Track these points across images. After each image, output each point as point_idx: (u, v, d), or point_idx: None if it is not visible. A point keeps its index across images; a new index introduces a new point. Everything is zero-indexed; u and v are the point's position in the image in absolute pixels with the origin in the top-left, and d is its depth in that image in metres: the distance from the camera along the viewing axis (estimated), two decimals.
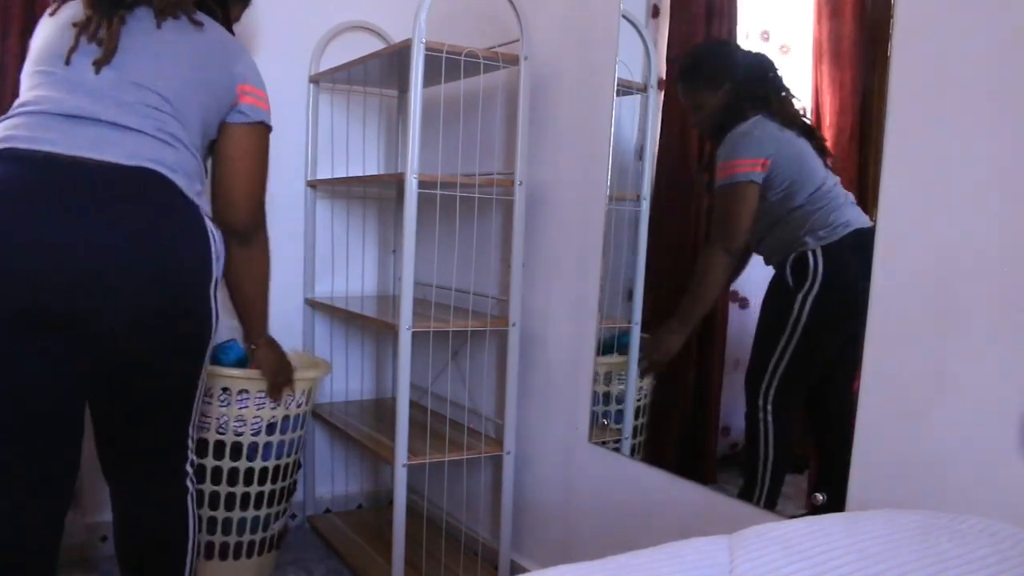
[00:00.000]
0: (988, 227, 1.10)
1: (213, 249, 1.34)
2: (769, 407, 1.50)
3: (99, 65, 1.28)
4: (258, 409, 1.86)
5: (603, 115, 1.82)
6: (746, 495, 1.50)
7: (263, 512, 1.96)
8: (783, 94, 1.45)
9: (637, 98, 1.80)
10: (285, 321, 2.39)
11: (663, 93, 1.76)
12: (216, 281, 1.36)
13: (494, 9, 2.07)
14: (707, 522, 1.53)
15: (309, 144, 2.36)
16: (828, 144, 1.41)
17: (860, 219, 1.30)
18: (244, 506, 1.93)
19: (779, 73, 1.47)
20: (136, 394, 1.35)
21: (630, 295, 1.81)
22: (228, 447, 1.86)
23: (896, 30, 1.20)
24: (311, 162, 2.37)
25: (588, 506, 1.86)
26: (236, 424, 1.85)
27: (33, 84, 1.31)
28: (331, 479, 2.55)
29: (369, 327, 2.54)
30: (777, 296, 1.49)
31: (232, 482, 1.90)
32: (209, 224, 1.35)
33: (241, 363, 1.91)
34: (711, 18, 1.66)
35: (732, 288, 1.64)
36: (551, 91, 1.99)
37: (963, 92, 1.12)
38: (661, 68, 1.75)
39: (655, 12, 1.76)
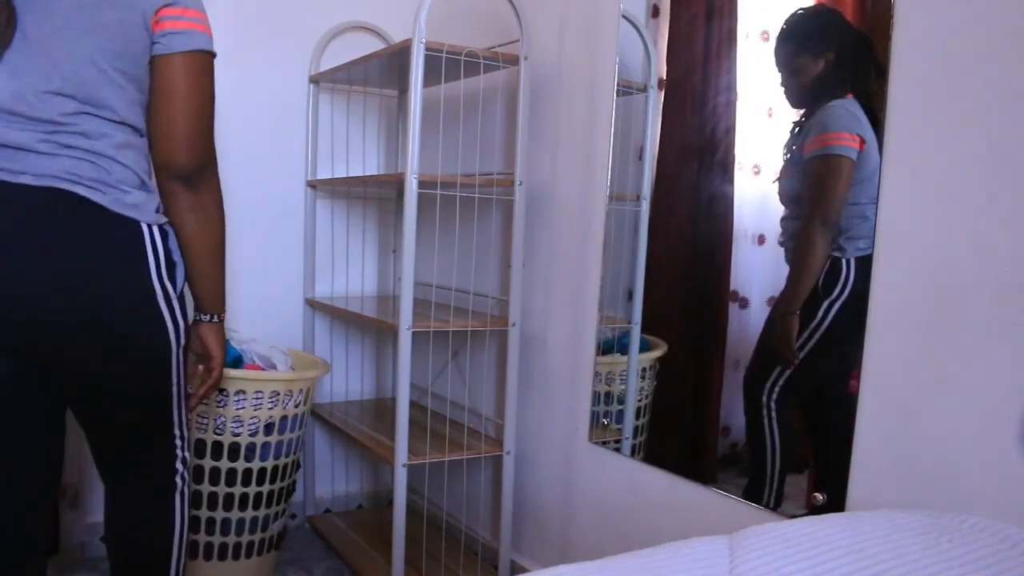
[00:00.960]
0: (988, 227, 1.10)
1: (153, 264, 1.25)
2: (773, 405, 1.50)
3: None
4: (255, 410, 1.85)
5: (603, 115, 1.82)
6: (753, 495, 1.50)
7: (262, 512, 1.96)
8: (878, 78, 1.35)
9: (637, 98, 1.80)
10: (285, 321, 2.39)
11: (663, 93, 1.76)
12: (170, 293, 1.29)
13: (494, 9, 2.07)
14: (707, 522, 1.53)
15: (309, 144, 2.36)
16: None
17: None
18: (243, 506, 1.92)
19: (877, 56, 1.38)
20: (103, 409, 1.34)
21: (630, 295, 1.81)
22: (226, 448, 1.85)
23: (896, 30, 1.20)
24: (311, 162, 2.37)
25: (588, 506, 1.86)
26: (234, 425, 1.84)
27: None
28: (331, 479, 2.54)
29: (369, 327, 2.54)
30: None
31: (231, 482, 1.89)
32: (149, 233, 1.25)
33: (236, 364, 1.90)
34: (711, 18, 1.66)
35: (732, 288, 1.64)
36: (551, 91, 1.99)
37: (963, 92, 1.12)
38: (661, 68, 1.75)
39: (655, 12, 1.76)
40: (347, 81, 2.34)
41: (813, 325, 1.45)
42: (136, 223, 1.24)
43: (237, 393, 1.82)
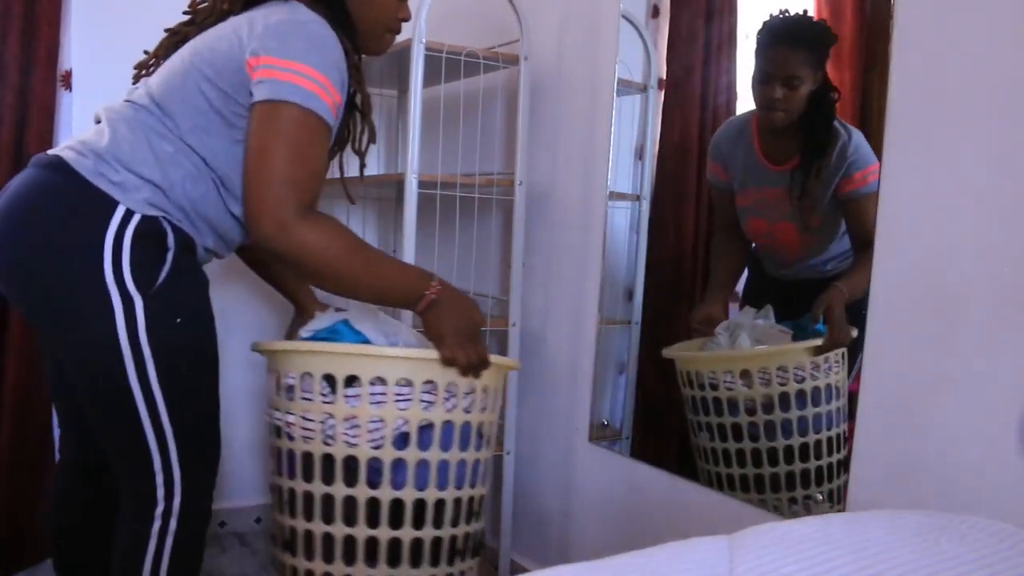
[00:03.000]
0: (988, 227, 1.09)
1: (110, 247, 1.14)
2: None
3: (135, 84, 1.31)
4: (378, 407, 1.24)
5: (603, 115, 1.81)
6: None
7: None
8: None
9: (637, 98, 1.80)
10: (285, 321, 2.38)
11: (663, 93, 1.76)
12: (125, 281, 1.15)
13: (494, 9, 2.07)
14: (707, 522, 1.53)
15: None
16: None
17: None
18: (371, 559, 1.28)
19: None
20: (76, 395, 1.27)
21: (630, 295, 1.81)
22: (340, 463, 1.26)
23: (896, 30, 1.20)
24: None
25: (588, 506, 1.86)
26: (348, 431, 1.25)
27: None
28: None
29: None
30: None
31: (350, 520, 1.28)
32: (122, 216, 1.15)
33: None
34: (711, 18, 1.66)
35: (735, 289, 1.65)
36: (551, 91, 1.99)
37: (963, 92, 1.12)
38: (661, 68, 1.75)
39: (655, 12, 1.76)
40: None
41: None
42: (111, 201, 1.15)
43: (349, 382, 1.26)
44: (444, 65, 1.85)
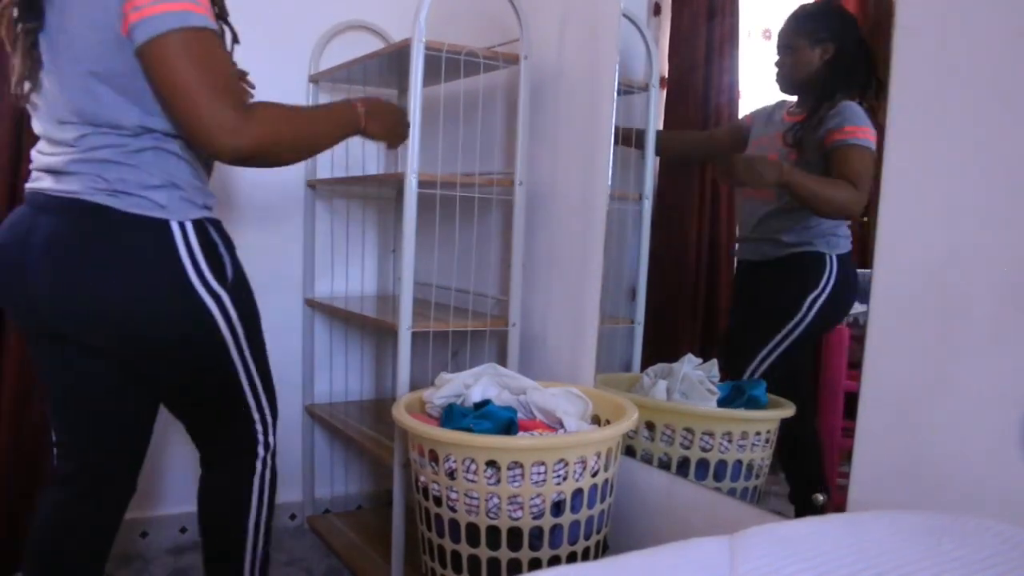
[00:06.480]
0: (988, 227, 1.09)
1: (187, 257, 1.26)
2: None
3: (33, 113, 1.32)
4: (537, 486, 1.40)
5: (604, 115, 1.81)
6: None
7: None
8: (877, 94, 1.36)
9: (639, 97, 1.79)
10: (285, 321, 2.39)
11: (665, 92, 1.76)
12: (210, 282, 1.29)
13: (494, 9, 2.06)
14: (707, 522, 1.53)
15: None
16: None
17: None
18: None
19: (878, 71, 1.36)
20: (172, 398, 1.43)
21: (633, 295, 1.81)
22: (504, 533, 1.42)
23: (896, 30, 1.19)
24: (310, 162, 2.36)
25: None
26: (510, 507, 1.41)
27: None
28: (331, 479, 2.54)
29: (369, 327, 2.54)
30: (782, 292, 1.50)
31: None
32: (180, 230, 1.27)
33: (509, 428, 1.50)
34: (713, 16, 1.66)
35: None
36: (551, 91, 1.98)
37: (963, 91, 1.12)
38: (663, 66, 1.75)
39: (656, 10, 1.76)
40: (347, 80, 2.34)
41: (796, 320, 1.47)
42: (162, 222, 1.26)
43: (511, 467, 1.39)
44: (444, 65, 1.85)
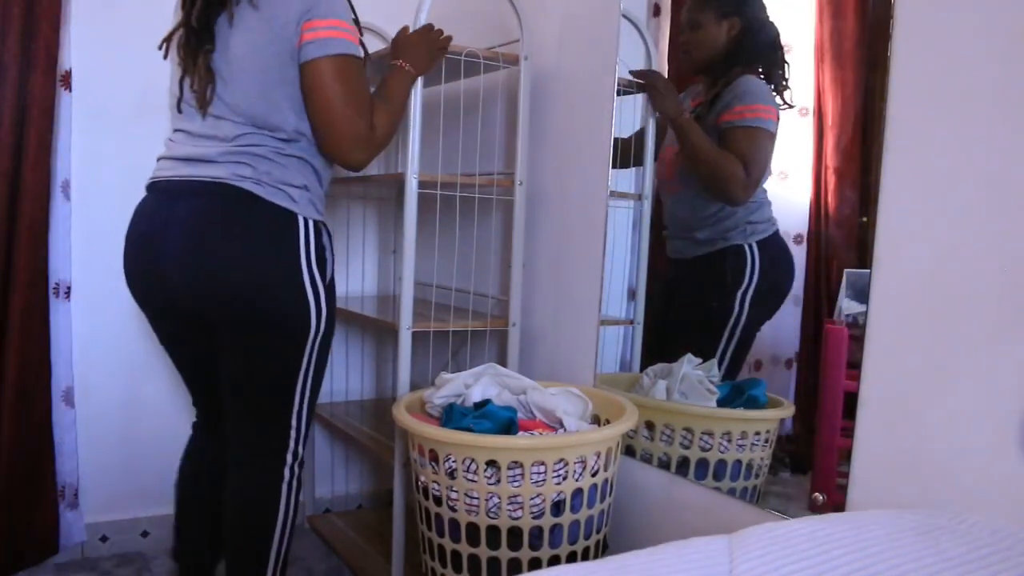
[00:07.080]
0: (988, 226, 1.09)
1: (304, 250, 1.42)
2: None
3: (203, 112, 1.43)
4: (537, 486, 1.41)
5: (603, 115, 1.81)
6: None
7: None
8: (784, 79, 1.40)
9: (638, 97, 1.80)
10: None
11: None
12: (316, 280, 1.44)
13: (494, 9, 2.07)
14: (706, 522, 1.53)
15: None
16: (831, 144, 1.41)
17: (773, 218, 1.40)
18: None
19: (786, 60, 1.41)
20: (237, 376, 1.49)
21: (632, 294, 1.81)
22: (504, 533, 1.43)
23: (896, 29, 1.20)
24: None
25: None
26: (510, 507, 1.42)
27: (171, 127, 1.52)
28: (331, 479, 2.54)
29: (369, 327, 2.54)
30: (712, 293, 1.54)
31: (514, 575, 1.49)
32: (304, 224, 1.43)
33: (508, 427, 1.51)
34: None
35: None
36: (551, 91, 1.99)
37: (964, 91, 1.12)
38: (662, 67, 1.75)
39: (656, 11, 1.76)
40: None
41: (732, 320, 1.47)
42: (293, 214, 1.42)
43: (511, 466, 1.40)
44: (444, 65, 1.85)
